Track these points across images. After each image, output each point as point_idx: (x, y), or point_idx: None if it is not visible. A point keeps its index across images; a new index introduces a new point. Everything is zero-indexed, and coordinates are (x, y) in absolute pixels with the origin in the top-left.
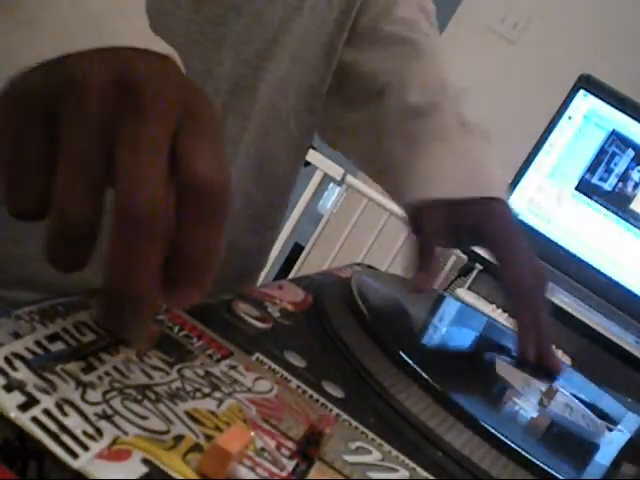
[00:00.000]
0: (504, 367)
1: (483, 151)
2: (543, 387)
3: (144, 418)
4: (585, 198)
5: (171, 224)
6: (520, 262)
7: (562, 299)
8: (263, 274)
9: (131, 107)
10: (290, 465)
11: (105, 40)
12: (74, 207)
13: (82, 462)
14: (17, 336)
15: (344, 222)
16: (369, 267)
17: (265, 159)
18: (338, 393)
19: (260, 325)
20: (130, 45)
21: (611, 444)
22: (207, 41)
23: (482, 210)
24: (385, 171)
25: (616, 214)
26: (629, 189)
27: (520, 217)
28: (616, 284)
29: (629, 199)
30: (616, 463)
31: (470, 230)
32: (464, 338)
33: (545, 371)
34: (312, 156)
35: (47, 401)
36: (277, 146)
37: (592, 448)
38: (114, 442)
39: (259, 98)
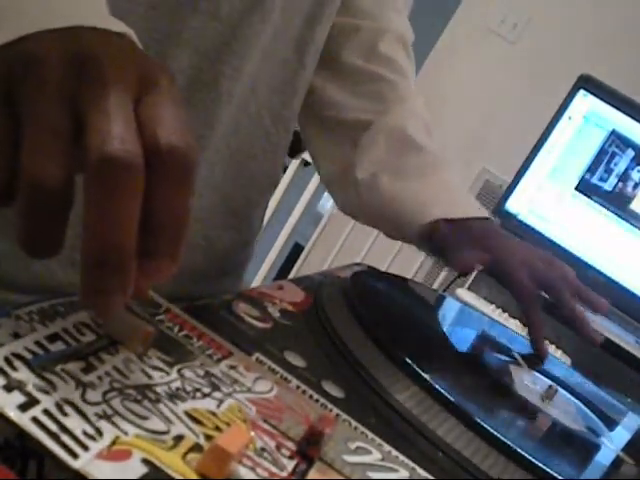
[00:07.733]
0: (504, 367)
1: (456, 179)
2: (543, 388)
3: (144, 418)
4: (585, 198)
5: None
6: (522, 269)
7: None
8: (263, 274)
9: (92, 77)
10: (290, 465)
11: (61, 21)
12: (43, 168)
13: (82, 462)
14: (17, 336)
15: (344, 222)
16: (369, 267)
17: (237, 155)
18: (338, 393)
19: (260, 325)
20: (86, 24)
21: (611, 444)
22: (163, 37)
23: (486, 227)
24: (370, 189)
25: (616, 214)
26: (629, 189)
27: (520, 218)
28: (616, 284)
29: (629, 199)
30: (616, 463)
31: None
32: (463, 338)
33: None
34: None
35: (47, 401)
36: (250, 142)
37: (592, 448)
38: (114, 442)
39: (223, 93)
